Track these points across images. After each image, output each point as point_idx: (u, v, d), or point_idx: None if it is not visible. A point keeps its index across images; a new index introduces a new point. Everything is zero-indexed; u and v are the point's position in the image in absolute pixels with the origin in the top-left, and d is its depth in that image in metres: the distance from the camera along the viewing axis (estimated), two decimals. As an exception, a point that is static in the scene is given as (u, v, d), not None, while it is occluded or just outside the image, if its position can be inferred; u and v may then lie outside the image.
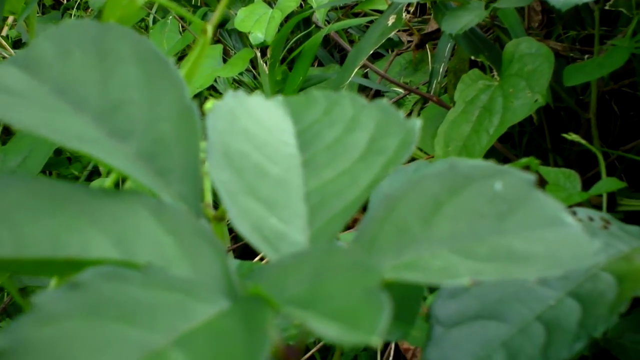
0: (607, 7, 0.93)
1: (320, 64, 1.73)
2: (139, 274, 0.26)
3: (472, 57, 0.98)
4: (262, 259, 1.00)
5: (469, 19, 0.87)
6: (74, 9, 2.15)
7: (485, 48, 0.96)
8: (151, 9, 1.82)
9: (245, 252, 1.20)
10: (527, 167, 0.49)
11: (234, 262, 0.60)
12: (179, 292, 0.26)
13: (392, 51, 1.57)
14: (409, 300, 0.39)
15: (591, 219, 0.47)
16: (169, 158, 0.33)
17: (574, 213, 0.47)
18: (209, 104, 0.43)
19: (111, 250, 0.28)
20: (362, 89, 1.55)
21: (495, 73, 0.94)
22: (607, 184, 0.65)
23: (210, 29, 0.39)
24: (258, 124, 0.37)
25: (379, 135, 0.36)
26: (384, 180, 0.34)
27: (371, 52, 1.04)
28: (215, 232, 0.41)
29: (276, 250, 0.31)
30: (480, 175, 0.31)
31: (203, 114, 0.37)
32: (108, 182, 0.39)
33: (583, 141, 0.75)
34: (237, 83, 1.62)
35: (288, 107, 0.40)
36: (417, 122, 0.35)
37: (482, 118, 0.87)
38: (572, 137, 0.75)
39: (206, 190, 0.43)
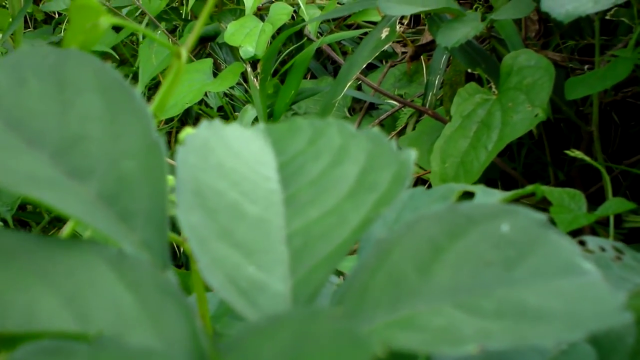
0: (607, 17, 0.90)
1: (313, 77, 1.70)
2: (88, 347, 0.22)
3: (469, 70, 0.94)
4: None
5: (465, 31, 0.83)
6: (64, 24, 2.12)
7: (482, 60, 0.92)
8: (141, 24, 1.79)
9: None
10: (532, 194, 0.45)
11: (216, 296, 0.56)
12: (137, 364, 0.22)
13: (386, 62, 1.53)
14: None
15: (603, 249, 0.43)
16: (133, 199, 0.29)
17: (584, 243, 0.43)
18: (184, 133, 0.39)
19: (61, 314, 0.24)
20: (356, 102, 1.51)
21: (492, 86, 0.90)
22: (614, 205, 0.62)
23: (184, 53, 0.36)
24: (235, 157, 0.34)
25: (370, 169, 0.32)
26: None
27: (365, 64, 1.00)
28: (194, 267, 0.37)
29: (253, 305, 0.27)
30: (484, 217, 0.27)
31: (178, 143, 0.33)
32: (67, 229, 0.35)
33: (587, 158, 0.71)
34: (228, 97, 1.59)
35: (269, 137, 0.36)
36: (412, 154, 0.31)
37: (480, 133, 0.84)
38: (575, 153, 0.71)
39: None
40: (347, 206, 0.31)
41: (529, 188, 0.41)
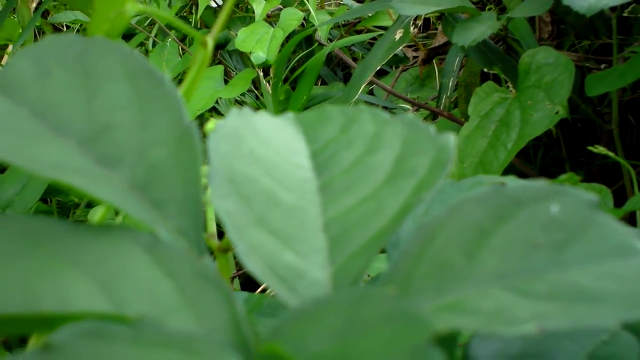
0: (625, 14, 0.89)
1: (324, 83, 1.69)
2: (129, 329, 0.21)
3: (485, 70, 0.93)
4: (265, 289, 0.95)
5: (481, 30, 0.83)
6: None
7: (499, 60, 0.91)
8: (150, 32, 1.78)
9: (250, 279, 1.15)
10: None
11: (239, 295, 0.55)
12: (179, 350, 0.21)
13: (397, 67, 1.52)
14: (443, 342, 0.34)
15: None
16: (166, 187, 0.29)
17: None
18: (211, 124, 0.38)
19: (97, 299, 0.23)
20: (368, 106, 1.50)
21: (510, 85, 0.89)
22: (642, 200, 0.61)
23: (210, 42, 0.35)
24: (266, 145, 0.33)
25: (407, 155, 0.31)
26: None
27: (378, 67, 1.00)
28: (219, 264, 0.36)
29: (293, 291, 0.26)
30: (532, 198, 0.26)
31: (204, 135, 0.32)
32: (97, 215, 0.34)
33: (611, 154, 0.70)
34: (239, 104, 1.58)
35: (299, 126, 0.36)
36: (450, 138, 0.30)
37: (499, 132, 0.83)
38: (599, 149, 0.70)
39: (209, 219, 0.39)
40: (385, 193, 0.30)
41: (563, 177, 0.40)
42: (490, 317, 0.23)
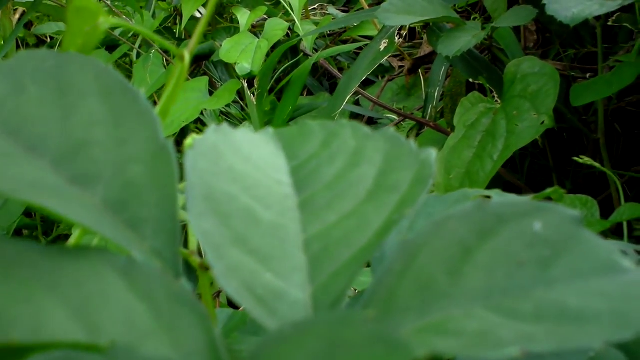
0: (609, 23, 0.89)
1: (310, 93, 1.68)
2: (101, 359, 0.20)
3: (471, 80, 0.93)
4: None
5: (466, 40, 0.82)
6: (57, 47, 2.11)
7: (484, 69, 0.91)
8: (134, 44, 1.78)
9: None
10: (548, 199, 0.43)
11: (223, 312, 0.54)
12: (153, 378, 0.21)
13: (383, 77, 1.52)
14: None
15: (624, 253, 0.42)
16: (142, 206, 0.28)
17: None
18: (190, 139, 0.38)
19: (71, 326, 0.23)
20: (354, 117, 1.50)
21: (495, 95, 0.89)
22: (628, 211, 0.60)
23: (187, 55, 0.34)
24: (246, 162, 0.32)
25: (389, 170, 0.30)
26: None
27: (364, 77, 0.99)
28: (201, 282, 0.36)
29: (273, 313, 0.26)
30: (515, 215, 0.26)
31: (183, 151, 0.32)
32: (73, 238, 0.34)
33: (597, 164, 0.70)
34: (224, 115, 1.58)
35: (280, 141, 0.35)
36: (432, 152, 0.30)
37: (485, 143, 0.82)
38: (584, 160, 0.70)
39: (191, 235, 0.38)
40: (367, 209, 0.29)
41: (548, 191, 0.40)
42: (474, 339, 0.22)
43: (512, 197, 0.43)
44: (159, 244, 0.27)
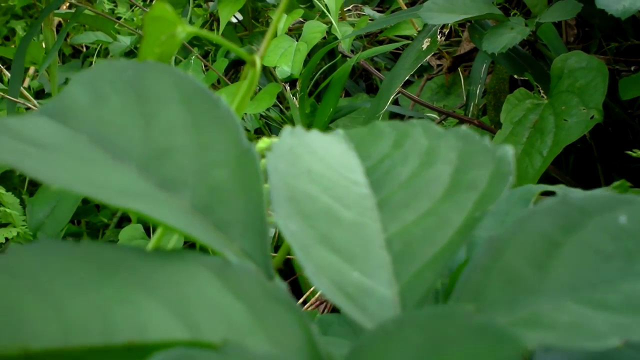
0: (654, 15, 0.88)
1: (347, 94, 1.69)
2: (217, 355, 0.21)
3: (515, 76, 0.93)
4: (305, 301, 0.95)
5: (511, 36, 0.82)
6: (94, 57, 2.14)
7: (529, 65, 0.91)
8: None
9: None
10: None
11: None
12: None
13: (421, 76, 1.52)
14: None
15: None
16: (229, 209, 0.29)
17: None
18: (262, 143, 0.39)
19: (173, 326, 0.24)
20: (392, 116, 1.50)
21: (541, 91, 0.89)
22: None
23: (259, 61, 0.35)
24: (321, 163, 0.33)
25: (465, 168, 0.31)
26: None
27: (406, 77, 0.99)
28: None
29: (363, 310, 0.26)
30: (599, 208, 0.26)
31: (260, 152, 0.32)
32: (153, 241, 0.35)
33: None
34: (264, 119, 1.59)
35: (350, 142, 0.36)
36: (508, 149, 0.30)
37: (533, 139, 0.82)
38: (638, 153, 0.70)
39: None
40: (446, 207, 0.30)
41: (616, 184, 0.40)
42: (569, 330, 0.23)
43: (577, 192, 0.43)
44: (247, 246, 0.28)
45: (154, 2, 2.16)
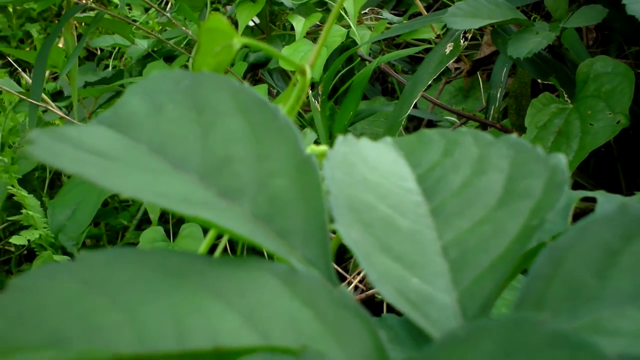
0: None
1: (364, 97, 1.69)
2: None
3: (539, 81, 0.93)
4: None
5: (536, 41, 0.83)
6: (111, 59, 2.15)
7: (553, 70, 0.91)
8: (190, 53, 1.80)
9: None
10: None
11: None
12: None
13: (439, 80, 1.53)
14: None
15: None
16: (289, 218, 0.29)
17: None
18: (310, 149, 0.39)
19: (244, 332, 0.24)
20: (410, 120, 1.51)
21: (565, 95, 0.89)
22: None
23: (309, 70, 0.36)
24: (374, 171, 0.33)
25: (517, 176, 0.31)
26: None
27: (430, 82, 1.00)
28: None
29: (426, 317, 0.27)
30: (658, 217, 0.27)
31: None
32: (203, 247, 0.35)
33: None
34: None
35: (400, 150, 0.36)
36: (561, 158, 0.31)
37: (558, 144, 0.83)
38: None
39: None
40: (500, 215, 0.30)
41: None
42: (634, 338, 0.23)
43: (616, 198, 0.43)
44: (310, 254, 0.28)
45: (169, 5, 2.18)
